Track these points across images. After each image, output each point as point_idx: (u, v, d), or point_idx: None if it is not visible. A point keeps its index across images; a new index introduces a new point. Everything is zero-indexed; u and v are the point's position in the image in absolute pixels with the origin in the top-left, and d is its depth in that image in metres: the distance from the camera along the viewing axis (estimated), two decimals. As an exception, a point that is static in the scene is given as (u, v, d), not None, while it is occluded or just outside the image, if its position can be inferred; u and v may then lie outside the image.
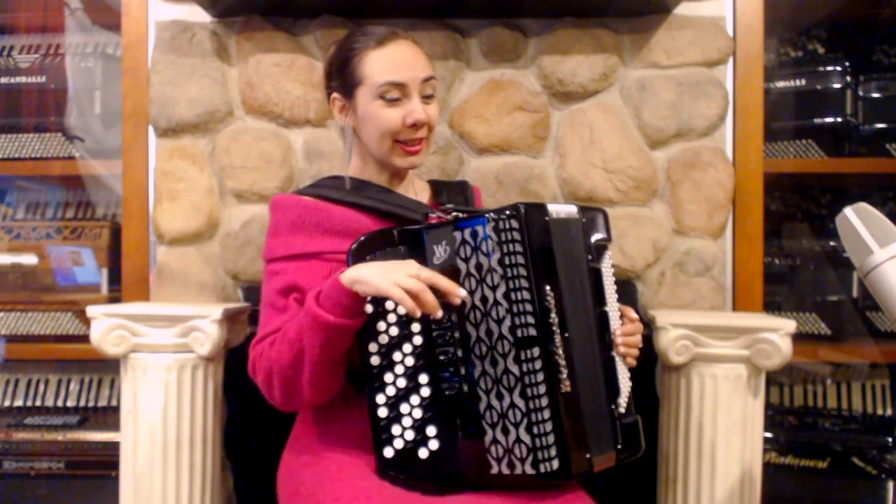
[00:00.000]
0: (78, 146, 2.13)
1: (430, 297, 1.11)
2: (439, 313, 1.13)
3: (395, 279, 1.11)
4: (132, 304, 1.71)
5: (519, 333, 1.12)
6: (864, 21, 2.23)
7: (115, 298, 2.04)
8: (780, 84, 2.09)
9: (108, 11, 2.04)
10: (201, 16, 1.83)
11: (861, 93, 2.08)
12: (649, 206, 1.83)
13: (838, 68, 2.07)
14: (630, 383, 1.25)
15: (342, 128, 1.40)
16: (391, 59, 1.31)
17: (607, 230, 1.29)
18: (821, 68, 2.08)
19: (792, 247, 2.16)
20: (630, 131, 1.83)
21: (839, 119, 2.06)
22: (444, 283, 1.13)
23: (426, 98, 1.34)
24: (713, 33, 1.81)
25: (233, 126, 1.85)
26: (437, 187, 1.52)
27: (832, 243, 2.11)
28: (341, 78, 1.36)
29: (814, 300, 2.08)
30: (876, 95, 2.07)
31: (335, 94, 1.38)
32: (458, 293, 1.14)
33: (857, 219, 1.05)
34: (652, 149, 1.83)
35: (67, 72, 2.14)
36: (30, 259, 2.01)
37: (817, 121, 2.07)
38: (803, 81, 2.08)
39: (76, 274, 2.12)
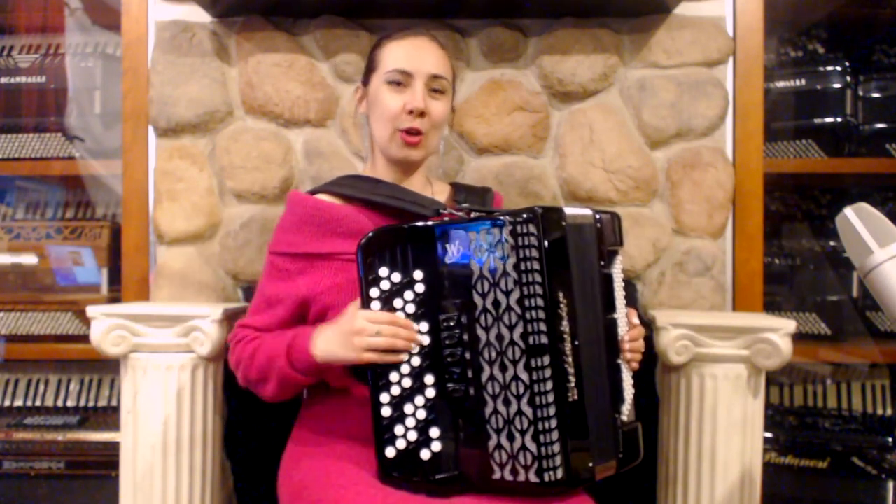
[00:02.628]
0: (78, 146, 2.13)
1: (401, 338, 1.16)
2: (414, 347, 1.17)
3: (360, 345, 1.16)
4: (132, 304, 1.71)
5: (531, 341, 1.11)
6: (864, 21, 2.22)
7: (115, 298, 2.04)
8: (780, 84, 2.09)
9: (108, 11, 2.04)
10: (201, 16, 1.83)
11: (861, 93, 2.07)
12: (649, 206, 1.83)
13: (838, 68, 2.06)
14: (633, 390, 1.24)
15: (359, 118, 1.46)
16: (405, 49, 1.37)
17: (619, 235, 1.27)
18: (821, 68, 2.08)
19: (792, 247, 2.16)
20: (630, 131, 1.83)
21: (839, 119, 2.06)
22: (402, 322, 1.17)
23: (434, 93, 1.36)
24: (713, 33, 1.81)
25: (233, 126, 1.85)
26: (458, 190, 1.51)
27: (832, 243, 2.10)
28: (366, 67, 1.44)
29: (814, 300, 2.08)
30: (876, 95, 2.07)
31: (359, 84, 1.45)
32: (416, 338, 1.18)
33: (857, 219, 1.05)
34: (652, 149, 1.83)
35: (67, 72, 2.14)
36: (30, 259, 2.01)
37: (817, 121, 2.06)
38: (803, 81, 2.08)
39: (76, 274, 2.12)
